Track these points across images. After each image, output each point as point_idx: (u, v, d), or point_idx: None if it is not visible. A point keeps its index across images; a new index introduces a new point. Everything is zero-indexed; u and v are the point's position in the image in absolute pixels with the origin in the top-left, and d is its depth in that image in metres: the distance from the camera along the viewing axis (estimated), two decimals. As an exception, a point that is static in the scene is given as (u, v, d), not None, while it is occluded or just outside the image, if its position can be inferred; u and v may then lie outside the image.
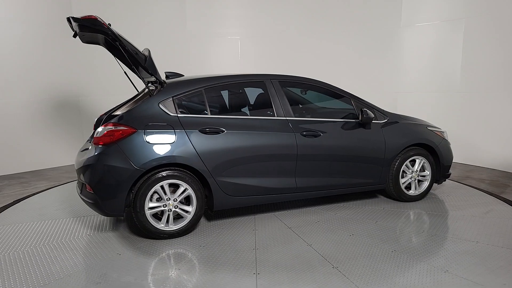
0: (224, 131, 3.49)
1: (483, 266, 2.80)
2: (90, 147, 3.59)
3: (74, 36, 3.61)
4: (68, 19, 3.50)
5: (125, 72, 4.34)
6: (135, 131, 3.25)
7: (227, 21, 7.64)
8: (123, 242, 3.33)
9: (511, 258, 2.91)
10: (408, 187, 4.35)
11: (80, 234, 3.52)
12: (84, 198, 3.38)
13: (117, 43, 3.28)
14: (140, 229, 3.35)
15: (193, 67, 7.09)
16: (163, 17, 7.39)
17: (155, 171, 3.27)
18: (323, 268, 2.80)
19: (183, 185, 3.35)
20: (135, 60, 3.37)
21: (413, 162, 4.31)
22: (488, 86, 6.16)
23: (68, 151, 6.70)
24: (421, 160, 4.32)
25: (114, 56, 4.19)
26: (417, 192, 4.38)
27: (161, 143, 3.29)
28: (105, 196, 3.20)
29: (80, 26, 3.27)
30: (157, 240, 3.35)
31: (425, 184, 4.40)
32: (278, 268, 2.81)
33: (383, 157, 4.12)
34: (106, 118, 4.28)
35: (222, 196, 3.52)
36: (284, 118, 3.77)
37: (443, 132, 4.57)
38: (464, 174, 5.85)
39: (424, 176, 4.39)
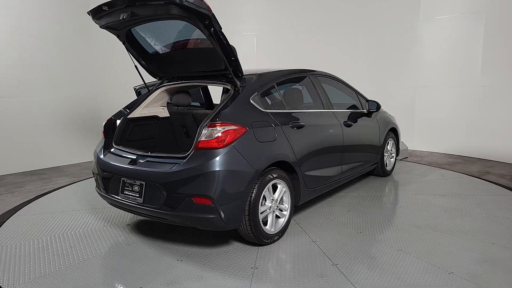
0: (304, 125, 3.50)
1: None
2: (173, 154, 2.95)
3: (124, 18, 2.93)
4: None
5: (135, 66, 3.73)
6: (247, 130, 2.92)
7: (244, 17, 7.36)
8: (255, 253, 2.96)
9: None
10: (385, 164, 5.27)
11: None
12: (189, 215, 2.75)
13: (213, 29, 2.84)
14: (249, 238, 3.03)
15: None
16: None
17: (265, 172, 3.02)
18: (429, 233, 3.32)
19: (281, 184, 3.21)
20: (227, 51, 2.97)
21: (387, 144, 5.25)
22: (509, 80, 6.09)
23: (87, 148, 6.44)
24: (392, 141, 5.31)
25: (128, 48, 3.57)
26: (390, 167, 5.36)
27: (268, 141, 3.07)
28: (229, 207, 2.75)
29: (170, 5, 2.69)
30: (261, 246, 3.11)
31: (393, 160, 5.43)
32: (390, 243, 3.17)
33: (378, 141, 4.88)
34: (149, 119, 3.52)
35: (305, 189, 3.53)
36: (332, 110, 4.03)
37: (394, 117, 5.69)
38: (485, 169, 5.79)
39: (391, 154, 5.40)
